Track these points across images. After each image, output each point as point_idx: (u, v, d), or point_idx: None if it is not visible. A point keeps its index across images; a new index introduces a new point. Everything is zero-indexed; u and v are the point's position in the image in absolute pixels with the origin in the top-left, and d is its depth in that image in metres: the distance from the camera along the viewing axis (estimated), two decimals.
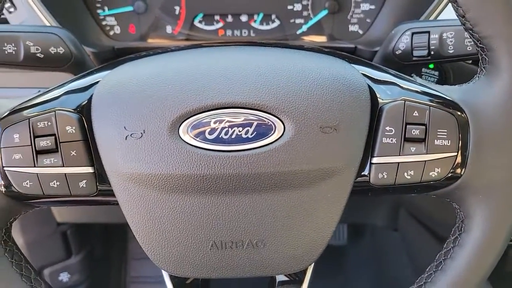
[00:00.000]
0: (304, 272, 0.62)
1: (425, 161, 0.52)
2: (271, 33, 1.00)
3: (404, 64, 0.70)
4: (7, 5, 0.77)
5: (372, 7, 0.97)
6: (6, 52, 0.63)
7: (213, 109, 0.50)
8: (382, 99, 0.53)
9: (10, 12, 0.78)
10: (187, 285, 0.63)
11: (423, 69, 0.81)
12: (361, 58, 0.62)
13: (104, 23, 0.97)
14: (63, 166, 0.51)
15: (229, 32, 1.01)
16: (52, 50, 0.65)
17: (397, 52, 0.69)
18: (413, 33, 0.67)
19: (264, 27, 1.00)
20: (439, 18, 0.78)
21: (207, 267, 0.53)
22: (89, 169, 0.52)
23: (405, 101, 0.52)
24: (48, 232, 1.38)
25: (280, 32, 1.00)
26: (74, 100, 0.53)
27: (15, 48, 0.63)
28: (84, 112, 0.52)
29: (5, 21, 0.79)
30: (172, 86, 0.51)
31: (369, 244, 1.61)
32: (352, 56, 0.62)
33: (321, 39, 1.00)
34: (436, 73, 0.80)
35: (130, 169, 0.51)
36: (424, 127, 0.52)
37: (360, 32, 0.99)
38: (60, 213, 1.28)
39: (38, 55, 0.65)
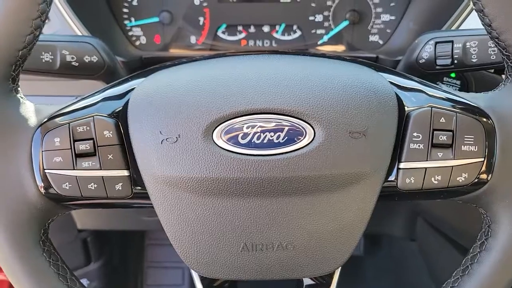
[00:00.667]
0: (330, 276, 0.63)
1: (452, 166, 0.53)
2: (292, 43, 1.02)
3: (427, 73, 0.71)
4: None
5: (393, 17, 0.99)
6: (43, 61, 0.66)
7: (245, 114, 0.52)
8: (409, 106, 0.55)
9: (47, 16, 0.81)
10: (216, 287, 0.64)
11: (445, 78, 0.82)
12: (386, 67, 0.63)
13: (130, 33, 1.00)
14: (101, 169, 0.53)
15: (251, 42, 1.03)
16: (86, 58, 0.68)
17: (420, 61, 0.71)
18: (436, 43, 0.69)
19: (286, 37, 1.03)
20: (462, 27, 0.80)
21: (238, 269, 0.55)
22: (125, 172, 0.54)
23: (432, 107, 0.54)
24: (70, 239, 1.40)
25: (301, 42, 1.02)
26: (111, 106, 0.55)
27: (52, 57, 0.66)
28: (120, 118, 0.54)
29: None
30: (205, 92, 0.53)
31: (387, 255, 1.61)
32: (378, 64, 0.64)
33: (341, 49, 1.02)
34: (458, 82, 0.81)
35: (165, 172, 0.52)
36: (451, 133, 0.53)
37: (380, 42, 1.01)
38: (81, 220, 1.30)
39: (73, 63, 0.68)
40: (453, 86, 0.82)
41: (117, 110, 0.55)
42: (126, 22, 0.99)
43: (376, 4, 0.99)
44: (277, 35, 1.03)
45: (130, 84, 0.58)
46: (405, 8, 0.96)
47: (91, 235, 1.43)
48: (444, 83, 0.82)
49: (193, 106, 0.52)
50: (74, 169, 0.53)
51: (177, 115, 0.52)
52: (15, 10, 0.49)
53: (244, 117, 0.52)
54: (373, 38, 1.01)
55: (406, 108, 0.55)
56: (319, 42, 1.02)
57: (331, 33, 1.01)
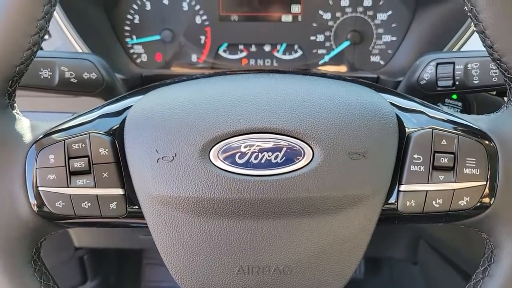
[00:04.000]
0: None
1: (454, 189, 0.52)
2: (293, 62, 1.02)
3: (428, 94, 0.71)
4: None
5: (394, 38, 0.99)
6: (42, 77, 0.66)
7: (243, 134, 0.51)
8: (410, 127, 0.54)
9: (44, 39, 0.81)
10: None
11: (447, 100, 0.82)
12: (387, 87, 0.63)
13: (131, 51, 1.00)
14: (95, 187, 0.52)
15: (252, 61, 1.03)
16: (85, 75, 0.68)
17: (421, 82, 0.70)
18: (437, 64, 0.68)
19: (287, 56, 1.02)
20: (463, 49, 0.79)
21: None
22: (120, 191, 0.53)
23: (433, 129, 0.53)
24: (66, 257, 1.39)
25: (302, 62, 1.02)
26: (108, 124, 0.55)
27: (51, 73, 0.66)
28: (116, 135, 0.54)
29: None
30: (203, 111, 0.52)
31: (388, 278, 1.58)
32: (378, 85, 0.63)
33: (342, 69, 1.01)
34: (460, 103, 0.81)
35: (160, 192, 0.51)
36: (452, 155, 0.52)
37: (382, 63, 1.00)
38: (78, 238, 1.29)
39: (72, 80, 0.67)
40: (454, 107, 0.81)
41: (113, 128, 0.54)
42: (127, 39, 0.99)
43: (378, 24, 0.99)
44: (278, 54, 1.03)
45: (127, 102, 0.58)
46: (406, 29, 0.96)
47: (88, 253, 1.41)
48: (445, 105, 0.81)
49: (190, 124, 0.51)
50: (68, 187, 0.52)
51: (174, 134, 0.51)
52: (13, 25, 0.48)
53: (241, 136, 0.51)
54: (375, 58, 1.01)
55: (406, 130, 0.54)
56: (320, 62, 1.02)
57: (332, 53, 1.01)
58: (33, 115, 0.89)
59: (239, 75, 0.59)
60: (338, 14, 0.98)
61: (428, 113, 0.55)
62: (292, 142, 0.51)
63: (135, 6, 0.98)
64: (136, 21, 0.98)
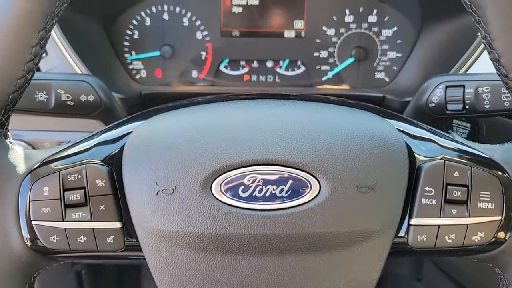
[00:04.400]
0: None
1: (467, 224, 0.49)
2: (296, 79, 1.00)
3: (437, 117, 0.69)
4: None
5: (399, 55, 0.97)
6: (37, 100, 0.63)
7: (246, 165, 0.49)
8: (420, 158, 0.52)
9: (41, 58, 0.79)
10: None
11: (455, 121, 0.79)
12: (394, 112, 0.60)
13: (131, 67, 0.98)
14: (91, 221, 0.50)
15: (254, 77, 1.01)
16: (82, 97, 0.65)
17: (430, 105, 0.68)
18: (447, 87, 0.66)
19: (290, 72, 1.00)
20: (471, 70, 0.77)
21: None
22: (117, 224, 0.50)
23: (445, 160, 0.50)
24: (63, 271, 1.36)
25: (305, 78, 1.00)
26: (105, 152, 0.52)
27: (46, 96, 0.64)
28: (114, 165, 0.51)
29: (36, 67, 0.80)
30: (205, 141, 0.50)
31: None
32: (385, 110, 0.61)
33: (346, 86, 0.99)
34: (468, 125, 0.78)
35: (159, 226, 0.49)
36: (465, 188, 0.49)
37: (387, 79, 0.98)
38: None
39: (68, 102, 0.65)
40: (462, 129, 0.79)
41: (111, 157, 0.52)
42: (126, 55, 0.97)
43: (383, 41, 0.97)
44: (280, 71, 1.01)
45: (126, 128, 0.55)
46: (412, 46, 0.94)
47: (85, 268, 1.38)
48: (453, 126, 0.79)
49: (191, 155, 0.49)
50: (63, 221, 0.49)
51: (174, 165, 0.49)
52: (6, 51, 0.46)
53: (245, 168, 0.49)
54: (379, 75, 0.99)
55: (417, 160, 0.51)
56: (323, 79, 0.99)
57: (336, 70, 0.99)
58: (30, 133, 0.88)
59: (242, 102, 0.57)
60: (342, 30, 0.96)
61: (439, 142, 0.53)
62: (298, 175, 0.48)
63: (134, 22, 0.96)
64: (136, 36, 0.96)
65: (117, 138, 0.54)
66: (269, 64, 1.00)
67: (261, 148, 0.49)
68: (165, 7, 0.95)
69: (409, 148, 0.52)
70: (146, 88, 0.93)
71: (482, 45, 0.77)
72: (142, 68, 0.98)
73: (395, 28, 0.96)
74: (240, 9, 0.96)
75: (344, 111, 0.56)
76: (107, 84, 0.80)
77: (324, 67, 0.99)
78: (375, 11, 0.95)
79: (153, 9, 0.95)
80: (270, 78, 1.01)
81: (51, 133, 0.86)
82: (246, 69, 1.00)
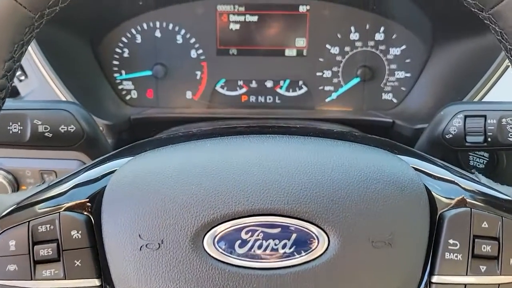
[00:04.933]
0: None
1: (499, 284, 0.43)
2: (297, 100, 0.94)
3: (455, 149, 0.62)
4: (18, 73, 0.72)
5: (408, 75, 0.91)
6: (10, 132, 0.57)
7: (244, 216, 0.42)
8: (442, 204, 0.45)
9: (20, 81, 0.73)
10: None
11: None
12: (408, 147, 0.54)
13: (120, 87, 0.91)
14: (65, 279, 0.43)
15: (252, 98, 0.94)
16: (62, 128, 0.59)
17: (447, 136, 0.61)
18: (466, 116, 0.60)
19: (291, 93, 0.94)
20: (490, 95, 0.71)
21: None
22: (96, 282, 0.44)
23: (471, 208, 0.44)
24: None
25: (307, 99, 0.93)
26: (82, 197, 0.45)
27: (21, 128, 0.57)
28: (93, 213, 0.45)
29: (15, 90, 0.73)
30: (196, 186, 0.43)
31: None
32: (398, 144, 0.55)
33: (351, 108, 0.93)
34: (487, 155, 0.72)
35: (143, 285, 0.42)
36: (496, 242, 0.43)
37: (395, 101, 0.92)
38: None
39: (46, 134, 0.58)
40: (480, 159, 0.72)
41: (89, 203, 0.45)
42: (116, 75, 0.91)
43: (390, 60, 0.91)
44: (281, 91, 0.94)
45: (108, 167, 0.49)
46: (422, 66, 0.88)
47: None
48: (470, 155, 0.72)
49: (180, 204, 0.42)
50: (32, 279, 0.43)
51: (160, 215, 0.42)
52: None
53: (242, 219, 0.42)
54: (387, 96, 0.92)
55: (438, 207, 0.45)
56: (327, 100, 0.93)
57: (341, 91, 0.92)
58: (10, 161, 0.81)
59: (239, 139, 0.50)
60: (347, 49, 0.90)
61: (463, 185, 0.46)
62: (303, 227, 0.42)
63: (124, 39, 0.89)
64: (126, 55, 0.90)
65: (97, 180, 0.47)
66: (269, 84, 0.94)
67: (261, 196, 0.42)
68: (157, 24, 0.89)
69: (428, 192, 0.45)
70: (136, 111, 0.86)
71: (502, 69, 0.71)
72: (133, 88, 0.92)
73: (403, 47, 0.90)
74: (237, 26, 0.90)
75: (353, 148, 0.49)
76: (93, 108, 0.74)
77: (327, 88, 0.93)
78: (382, 28, 0.89)
79: (144, 25, 0.89)
80: (269, 99, 0.95)
81: (33, 161, 0.79)
82: (244, 90, 0.94)
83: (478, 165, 0.74)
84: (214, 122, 0.74)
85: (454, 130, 0.61)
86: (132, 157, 0.49)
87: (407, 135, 0.76)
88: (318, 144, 0.50)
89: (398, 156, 0.49)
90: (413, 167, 0.47)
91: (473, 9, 0.42)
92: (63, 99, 0.72)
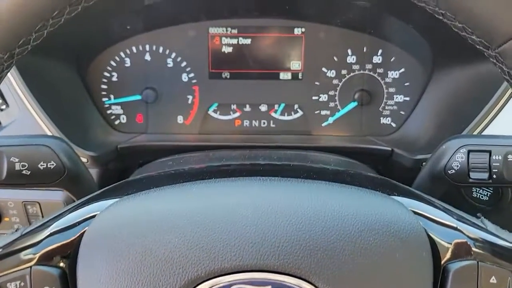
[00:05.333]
0: None
1: None
2: (293, 124, 0.90)
3: (457, 185, 0.59)
4: None
5: (407, 99, 0.87)
6: None
7: (231, 272, 0.38)
8: (447, 255, 0.41)
9: (1, 110, 0.69)
10: None
11: None
12: (409, 188, 0.51)
13: (109, 112, 0.88)
14: None
15: (246, 123, 0.91)
16: (41, 165, 0.55)
17: (449, 172, 0.58)
18: (469, 151, 0.56)
19: (286, 117, 0.91)
20: (493, 126, 0.68)
21: None
22: None
23: (478, 261, 0.40)
24: None
25: (303, 124, 0.90)
26: (57, 249, 0.42)
27: None
28: (68, 267, 0.41)
29: None
30: (178, 239, 0.40)
31: None
32: (398, 185, 0.51)
33: (348, 133, 0.89)
34: (490, 188, 0.69)
35: None
36: None
37: (393, 125, 0.89)
38: None
39: (24, 172, 0.55)
40: (484, 190, 0.69)
41: (64, 255, 0.42)
42: (104, 99, 0.87)
43: (389, 83, 0.87)
44: (275, 115, 0.91)
45: (85, 213, 0.45)
46: (422, 90, 0.85)
47: None
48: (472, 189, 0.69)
49: (161, 259, 0.39)
50: None
51: (140, 271, 0.39)
52: None
53: (229, 276, 0.38)
54: (385, 120, 0.89)
55: (442, 257, 0.41)
56: (323, 124, 0.90)
57: (337, 115, 0.89)
58: None
59: (228, 182, 0.47)
60: (343, 72, 0.87)
61: (468, 234, 0.43)
62: (296, 285, 0.38)
63: (113, 63, 0.86)
64: (114, 79, 0.87)
65: (72, 228, 0.43)
66: (263, 108, 0.91)
67: (250, 250, 0.39)
68: (147, 47, 0.86)
69: (431, 242, 0.42)
70: (124, 138, 0.82)
71: (505, 98, 0.67)
72: (122, 113, 0.88)
73: (402, 70, 0.87)
74: (230, 49, 0.87)
75: (349, 193, 0.46)
76: (78, 137, 0.70)
77: (324, 112, 0.89)
78: (380, 51, 0.86)
79: (134, 49, 0.86)
80: (264, 123, 0.91)
81: (16, 192, 0.75)
82: (237, 114, 0.91)
83: (482, 197, 0.70)
84: (204, 152, 0.71)
85: (457, 166, 0.57)
86: (111, 203, 0.45)
87: (407, 165, 0.73)
88: (312, 189, 0.46)
89: (398, 199, 0.46)
90: (413, 211, 0.44)
91: (478, 47, 0.39)
92: (45, 129, 0.69)
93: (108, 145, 0.77)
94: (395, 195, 0.46)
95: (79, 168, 0.60)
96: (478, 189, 0.70)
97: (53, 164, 0.56)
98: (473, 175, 0.56)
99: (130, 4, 0.74)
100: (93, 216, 0.44)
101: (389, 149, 0.77)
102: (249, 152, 0.67)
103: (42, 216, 0.79)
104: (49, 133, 0.69)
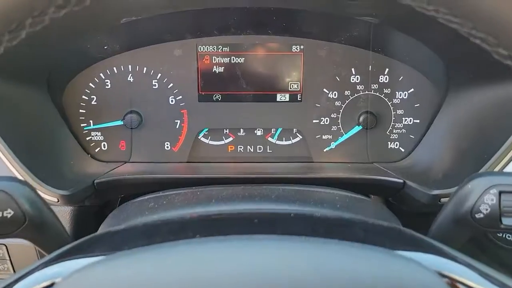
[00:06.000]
0: None
1: None
2: (291, 150, 0.82)
3: (487, 230, 0.50)
4: None
5: (417, 121, 0.79)
6: None
7: None
8: None
9: None
10: None
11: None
12: (434, 244, 0.42)
13: (88, 138, 0.79)
14: None
15: (240, 148, 0.82)
16: None
17: (477, 216, 0.49)
18: (501, 192, 0.48)
19: (284, 142, 0.82)
20: None
21: None
22: None
23: None
24: None
25: (302, 149, 0.82)
26: None
27: None
28: None
29: None
30: None
31: None
32: (422, 239, 0.43)
33: (354, 159, 0.81)
34: None
35: None
36: None
37: (402, 150, 0.80)
38: None
39: None
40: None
41: None
42: (83, 125, 0.79)
43: (396, 105, 0.79)
44: (272, 140, 0.83)
45: (41, 279, 0.37)
46: (434, 112, 0.76)
47: None
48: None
49: None
50: None
51: None
52: None
53: None
54: (393, 145, 0.81)
55: None
56: (325, 150, 0.81)
57: (340, 140, 0.81)
58: None
59: (215, 244, 0.38)
60: (347, 93, 0.79)
61: None
62: None
63: (91, 85, 0.78)
64: (94, 102, 0.78)
65: None
66: (259, 132, 0.82)
67: None
68: (129, 67, 0.77)
69: None
70: (103, 170, 0.73)
71: None
72: (102, 139, 0.80)
73: (411, 90, 0.78)
74: (221, 68, 0.79)
75: (363, 256, 0.38)
76: (49, 173, 0.62)
77: (325, 136, 0.81)
78: (386, 69, 0.78)
79: (115, 69, 0.77)
80: (260, 148, 0.83)
81: None
82: (230, 139, 0.82)
83: (508, 237, 0.62)
84: (191, 190, 0.62)
85: (486, 209, 0.49)
86: (73, 270, 0.37)
87: (421, 200, 0.64)
88: (320, 254, 0.37)
89: (420, 257, 0.38)
90: (440, 274, 0.36)
91: (505, 61, 0.32)
92: (9, 165, 0.60)
93: (85, 180, 0.68)
94: (419, 250, 0.38)
95: (43, 215, 0.51)
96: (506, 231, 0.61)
97: (9, 213, 0.48)
98: (507, 221, 0.48)
99: (105, 22, 0.66)
100: (52, 284, 0.36)
101: (401, 181, 0.69)
102: (243, 190, 0.58)
103: (10, 260, 0.70)
104: (13, 171, 0.60)
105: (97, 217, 0.75)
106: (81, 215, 0.72)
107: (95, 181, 0.68)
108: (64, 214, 0.71)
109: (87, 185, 0.66)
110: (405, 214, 0.65)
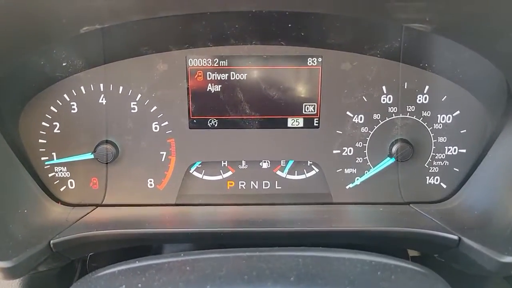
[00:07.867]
0: None
1: None
2: (305, 186, 0.66)
3: None
4: None
5: (463, 151, 0.63)
6: None
7: None
8: None
9: None
10: None
11: None
12: None
13: (51, 175, 0.63)
14: None
15: (242, 185, 0.66)
16: None
17: None
18: None
19: (296, 177, 0.66)
20: None
21: None
22: None
23: None
24: None
25: (319, 186, 0.66)
26: None
27: None
28: None
29: None
30: None
31: None
32: None
33: (383, 199, 0.65)
34: None
35: None
36: None
37: (444, 186, 0.65)
38: None
39: None
40: None
41: None
42: (43, 158, 0.62)
43: (438, 131, 0.63)
44: (282, 174, 0.67)
45: None
46: (487, 140, 0.61)
47: None
48: None
49: None
50: None
51: None
52: None
53: None
54: (433, 180, 0.65)
55: None
56: (348, 187, 0.65)
57: (367, 175, 0.65)
58: None
59: None
60: (376, 116, 0.63)
61: None
62: None
63: (53, 109, 0.61)
64: (56, 130, 0.62)
65: None
66: (265, 165, 0.66)
67: None
68: (101, 87, 0.61)
69: None
70: (63, 223, 0.56)
71: None
72: (69, 176, 0.64)
73: (457, 112, 0.63)
74: (218, 87, 0.62)
75: None
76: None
77: (348, 170, 0.65)
78: (426, 87, 0.62)
79: (82, 89, 0.61)
80: (266, 184, 0.67)
81: None
82: (229, 173, 0.66)
83: None
84: (178, 263, 0.46)
85: None
86: None
87: (486, 267, 0.48)
88: None
89: None
90: None
91: None
92: None
93: (39, 238, 0.51)
94: None
95: None
96: None
97: None
98: None
99: (58, 33, 0.49)
100: None
101: (455, 238, 0.53)
102: (249, 263, 0.42)
103: None
104: None
105: (60, 280, 0.58)
106: (35, 283, 0.55)
107: (51, 242, 0.51)
108: (11, 284, 0.54)
109: (41, 248, 0.49)
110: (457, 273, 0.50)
